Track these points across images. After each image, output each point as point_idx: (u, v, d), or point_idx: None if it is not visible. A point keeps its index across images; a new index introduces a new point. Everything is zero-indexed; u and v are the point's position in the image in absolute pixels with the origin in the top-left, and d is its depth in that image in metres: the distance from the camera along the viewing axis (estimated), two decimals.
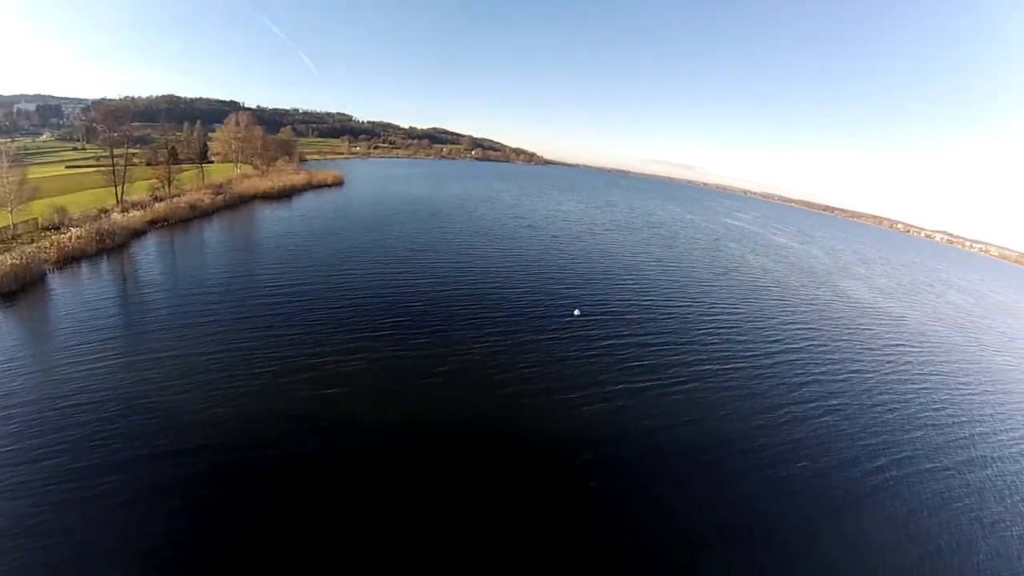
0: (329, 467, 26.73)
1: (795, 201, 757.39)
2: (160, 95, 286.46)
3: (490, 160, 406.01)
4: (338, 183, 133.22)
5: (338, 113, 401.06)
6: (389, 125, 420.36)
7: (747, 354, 54.53)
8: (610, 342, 49.49)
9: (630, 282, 74.30)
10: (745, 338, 59.51)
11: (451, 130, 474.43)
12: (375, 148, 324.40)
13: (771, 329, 65.78)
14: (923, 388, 57.67)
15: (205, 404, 29.70)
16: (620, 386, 41.29)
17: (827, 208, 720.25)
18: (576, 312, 54.95)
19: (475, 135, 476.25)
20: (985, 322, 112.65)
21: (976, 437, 48.00)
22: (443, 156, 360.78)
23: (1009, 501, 37.67)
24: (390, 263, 63.88)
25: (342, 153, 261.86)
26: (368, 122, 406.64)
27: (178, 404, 29.35)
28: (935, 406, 53.09)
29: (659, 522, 27.61)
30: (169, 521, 21.72)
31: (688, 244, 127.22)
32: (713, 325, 61.90)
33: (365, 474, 26.69)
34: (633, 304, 63.58)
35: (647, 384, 42.66)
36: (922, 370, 63.96)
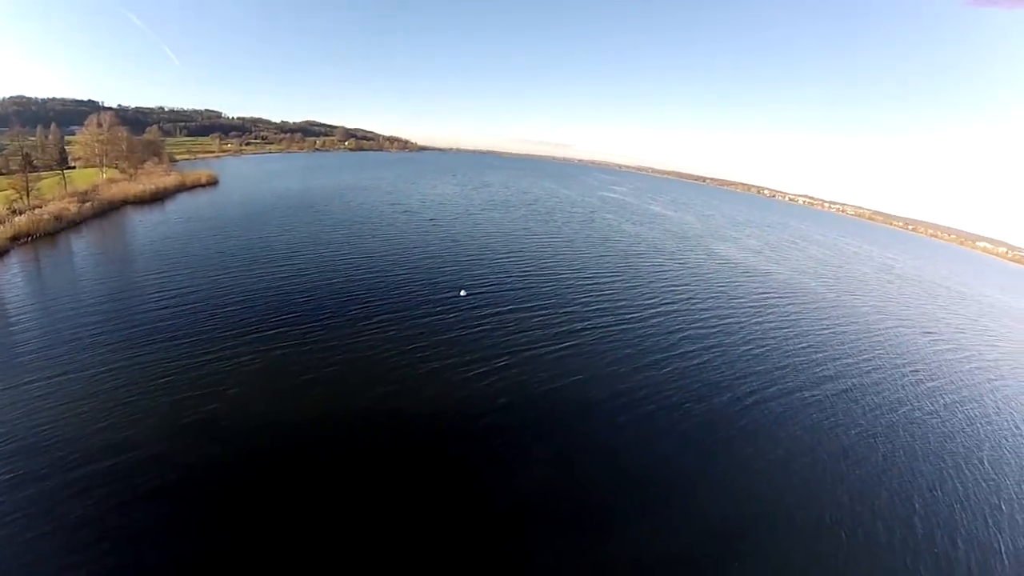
0: (238, 470, 27.21)
1: (668, 172, 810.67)
2: (8, 97, 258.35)
3: (364, 150, 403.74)
4: (212, 183, 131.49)
5: (206, 110, 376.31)
6: (260, 120, 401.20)
7: (628, 313, 60.32)
8: (497, 315, 52.91)
9: (511, 258, 78.89)
10: (625, 300, 65.51)
11: (324, 122, 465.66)
12: (247, 145, 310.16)
13: (649, 290, 72.29)
14: (787, 328, 67.02)
15: (103, 422, 29.35)
16: (510, 354, 44.68)
17: (699, 178, 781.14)
18: (462, 292, 57.53)
19: (348, 126, 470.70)
20: (842, 270, 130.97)
21: (833, 362, 57.16)
22: (317, 149, 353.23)
23: (859, 408, 46.87)
24: (274, 260, 63.89)
25: (213, 151, 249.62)
26: (238, 118, 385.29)
27: (74, 426, 28.80)
28: (799, 342, 61.91)
29: (557, 472, 30.82)
30: (71, 538, 21.88)
31: (565, 218, 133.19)
32: (594, 291, 67.37)
33: (276, 472, 27.41)
34: (516, 278, 67.69)
35: (537, 349, 46.43)
36: (787, 313, 74.19)
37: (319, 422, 31.95)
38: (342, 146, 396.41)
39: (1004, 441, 46.42)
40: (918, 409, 49.23)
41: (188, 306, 46.95)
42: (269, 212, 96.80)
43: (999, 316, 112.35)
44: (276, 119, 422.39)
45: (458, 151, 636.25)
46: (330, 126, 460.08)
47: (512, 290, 62.35)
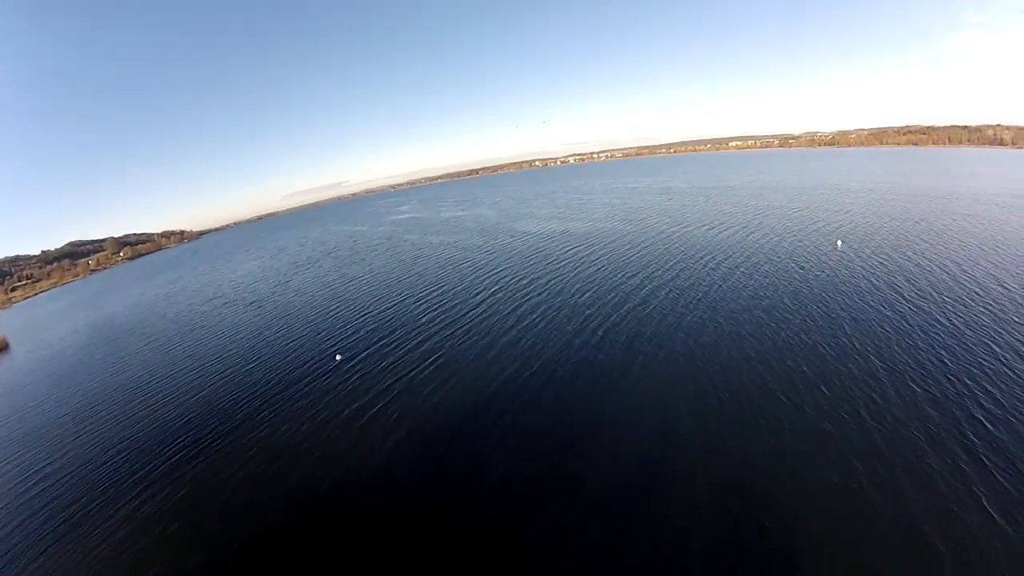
0: None
1: (439, 177, 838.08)
2: None
3: (143, 255, 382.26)
4: (2, 348, 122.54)
5: None
6: (18, 258, 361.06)
7: (464, 312, 67.48)
8: (363, 361, 56.43)
9: (345, 307, 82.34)
10: (457, 301, 73.16)
11: (89, 238, 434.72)
12: (14, 291, 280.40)
13: (472, 285, 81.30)
14: (602, 267, 79.64)
15: None
16: (393, 384, 48.87)
17: (471, 171, 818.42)
18: (337, 357, 58.73)
19: (117, 234, 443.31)
20: (628, 205, 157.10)
21: (647, 276, 69.79)
22: (93, 270, 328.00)
23: (680, 302, 57.04)
24: (134, 396, 60.97)
25: None
26: None
27: None
28: (616, 273, 74.03)
29: (473, 467, 34.57)
30: None
31: (371, 254, 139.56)
32: (428, 306, 73.66)
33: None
34: (358, 322, 72.16)
35: (409, 375, 50.40)
36: (598, 256, 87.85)
37: (273, 520, 32.96)
38: (118, 259, 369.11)
39: (781, 287, 59.53)
40: (717, 288, 61.64)
41: (71, 473, 44.14)
42: (94, 355, 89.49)
43: (765, 194, 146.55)
44: (35, 250, 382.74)
45: (237, 224, 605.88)
46: (97, 241, 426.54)
47: (360, 332, 66.82)
